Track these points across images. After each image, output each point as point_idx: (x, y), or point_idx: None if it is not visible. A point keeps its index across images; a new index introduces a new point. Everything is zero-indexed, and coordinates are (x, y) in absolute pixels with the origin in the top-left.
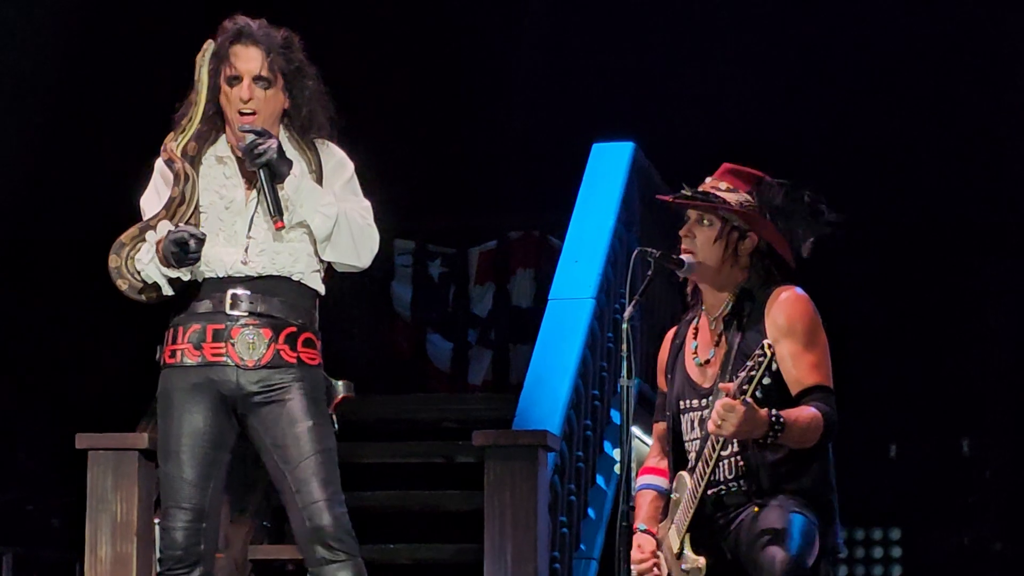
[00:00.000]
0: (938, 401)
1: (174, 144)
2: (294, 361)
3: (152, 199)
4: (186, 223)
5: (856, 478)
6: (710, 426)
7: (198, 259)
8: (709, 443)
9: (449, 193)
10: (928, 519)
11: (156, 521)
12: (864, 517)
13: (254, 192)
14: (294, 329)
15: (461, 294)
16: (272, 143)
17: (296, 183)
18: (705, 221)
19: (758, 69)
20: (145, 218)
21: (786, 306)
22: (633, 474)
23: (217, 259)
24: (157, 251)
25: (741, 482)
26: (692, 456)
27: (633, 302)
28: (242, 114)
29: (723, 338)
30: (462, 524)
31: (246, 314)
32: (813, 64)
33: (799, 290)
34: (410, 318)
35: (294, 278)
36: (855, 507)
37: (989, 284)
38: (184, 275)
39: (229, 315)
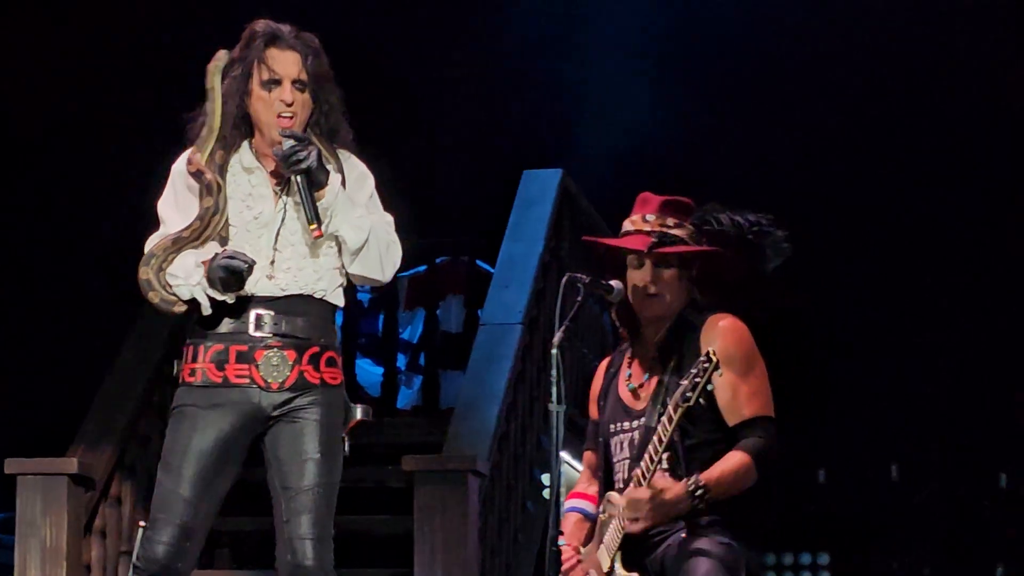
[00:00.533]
0: (867, 427)
1: (199, 155)
2: (317, 382)
3: (172, 207)
4: (217, 234)
5: (786, 503)
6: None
7: (243, 286)
8: (643, 463)
9: None
10: (857, 544)
11: (140, 524)
12: (793, 542)
13: (280, 204)
14: (317, 349)
15: (390, 319)
16: (313, 150)
17: (335, 192)
18: (663, 263)
19: (686, 95)
20: (167, 227)
21: (722, 334)
22: (562, 499)
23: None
24: (204, 272)
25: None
26: (620, 476)
27: (562, 328)
28: (281, 116)
29: (657, 364)
30: (392, 549)
31: (270, 335)
32: (738, 90)
33: (734, 318)
34: (339, 343)
35: (316, 295)
36: (784, 532)
37: (919, 312)
38: (229, 299)
39: (253, 336)
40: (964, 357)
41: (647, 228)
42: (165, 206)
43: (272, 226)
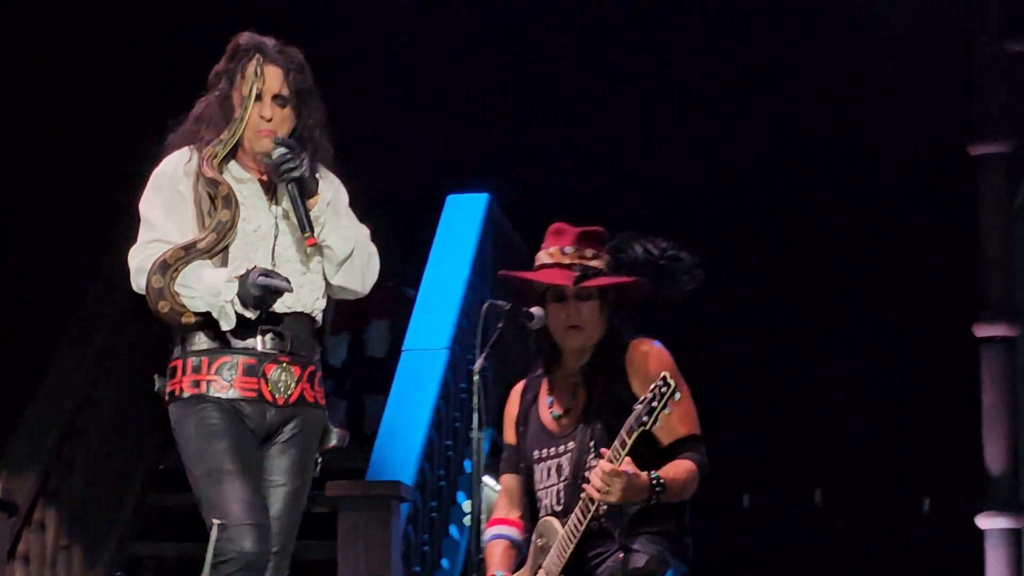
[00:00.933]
0: (791, 452)
1: (212, 162)
2: (312, 400)
3: (163, 215)
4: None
5: (710, 528)
6: (592, 492)
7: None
8: (581, 504)
9: None
10: (781, 568)
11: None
12: (718, 567)
13: (273, 216)
14: (313, 368)
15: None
16: (304, 158)
17: (327, 201)
18: (582, 294)
19: (607, 121)
20: (160, 234)
21: (649, 358)
22: (483, 525)
23: None
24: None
25: (602, 520)
26: (547, 503)
27: (483, 354)
28: (260, 132)
29: (581, 388)
30: (316, 574)
31: (277, 351)
32: (657, 116)
33: (657, 342)
34: None
35: (307, 311)
36: (709, 557)
37: (839, 336)
38: (252, 315)
39: (260, 352)
40: (889, 383)
41: (566, 261)
42: (153, 212)
43: (268, 239)
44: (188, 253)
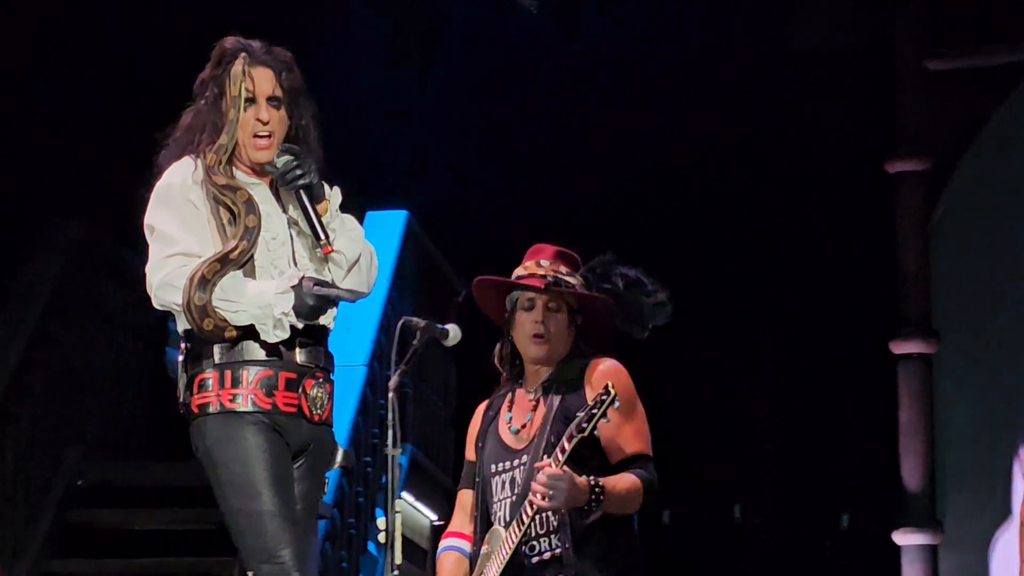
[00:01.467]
0: (711, 468)
1: (217, 171)
2: (330, 417)
3: (180, 227)
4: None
5: None
6: (537, 499)
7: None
8: (523, 511)
9: None
10: None
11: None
12: None
13: (286, 223)
14: (332, 384)
15: None
16: (311, 163)
17: (336, 205)
18: (552, 305)
19: (528, 142)
20: (182, 247)
21: (607, 376)
22: (397, 542)
23: None
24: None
25: (552, 538)
26: (500, 515)
27: (397, 371)
28: (258, 136)
29: (540, 403)
30: None
31: (313, 366)
32: (575, 135)
33: (616, 362)
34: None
35: (323, 323)
36: None
37: (758, 352)
38: (300, 324)
39: (300, 365)
40: (808, 399)
41: (541, 272)
42: (168, 225)
43: (287, 246)
44: (224, 266)
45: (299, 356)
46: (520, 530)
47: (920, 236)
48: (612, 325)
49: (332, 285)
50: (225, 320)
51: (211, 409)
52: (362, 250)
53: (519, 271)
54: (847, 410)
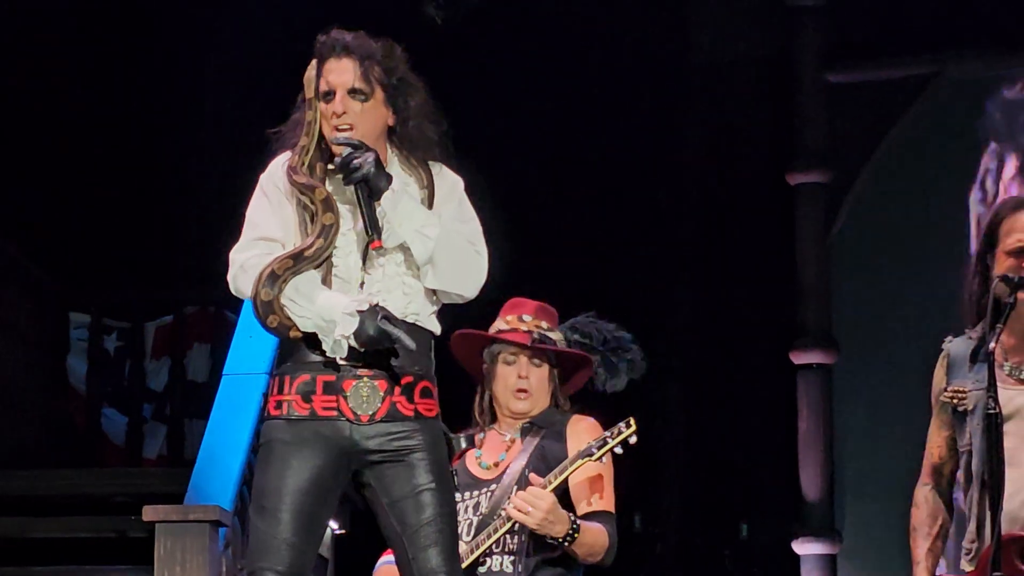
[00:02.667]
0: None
1: (301, 167)
2: (411, 414)
3: (270, 215)
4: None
5: None
6: (513, 512)
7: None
8: (498, 520)
9: (125, 266)
10: None
11: None
12: None
13: (360, 221)
14: (411, 379)
15: (137, 368)
16: (370, 156)
17: (394, 199)
18: (535, 360)
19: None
20: (263, 232)
21: (590, 432)
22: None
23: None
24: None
25: (506, 558)
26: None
27: None
28: (338, 130)
29: (517, 442)
30: None
31: (360, 364)
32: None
33: (594, 419)
34: (85, 392)
35: (408, 320)
36: None
37: (657, 361)
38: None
39: (341, 365)
40: (707, 408)
41: (524, 327)
42: (257, 213)
43: (358, 247)
44: (297, 262)
45: (346, 357)
46: (488, 540)
47: (820, 247)
48: (587, 380)
49: (401, 325)
50: (290, 320)
51: (265, 416)
52: (438, 248)
53: (501, 325)
54: (747, 420)
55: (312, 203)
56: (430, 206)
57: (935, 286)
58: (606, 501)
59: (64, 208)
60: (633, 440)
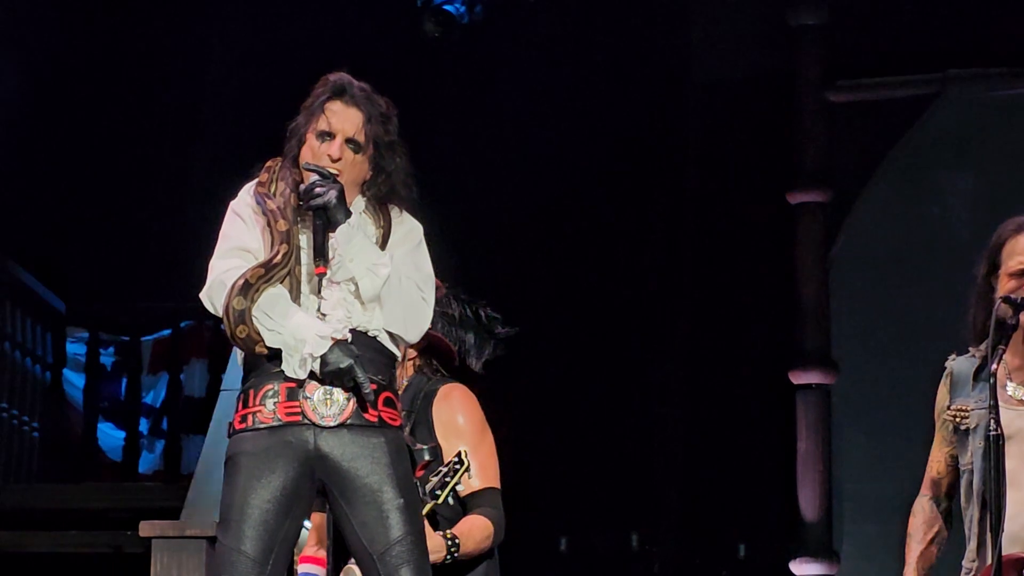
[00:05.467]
0: (609, 495)
1: (267, 183)
2: (375, 420)
3: (244, 231)
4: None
5: (527, 571)
6: None
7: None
8: None
9: (123, 281)
10: None
11: None
12: None
13: (330, 245)
14: (374, 387)
15: (134, 383)
16: (334, 188)
17: (349, 233)
18: None
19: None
20: (236, 244)
21: (453, 405)
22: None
23: None
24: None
25: None
26: None
27: None
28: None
29: None
30: None
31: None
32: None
33: (466, 389)
34: (82, 406)
35: (371, 333)
36: None
37: (657, 381)
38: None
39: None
40: (706, 428)
41: None
42: (235, 228)
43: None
44: (268, 271)
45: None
46: None
47: (820, 267)
48: (454, 356)
49: (367, 374)
50: (259, 334)
51: (230, 432)
52: (385, 289)
53: None
54: (745, 439)
55: (268, 213)
56: (383, 247)
57: (935, 306)
58: (487, 476)
59: (62, 222)
60: (470, 476)
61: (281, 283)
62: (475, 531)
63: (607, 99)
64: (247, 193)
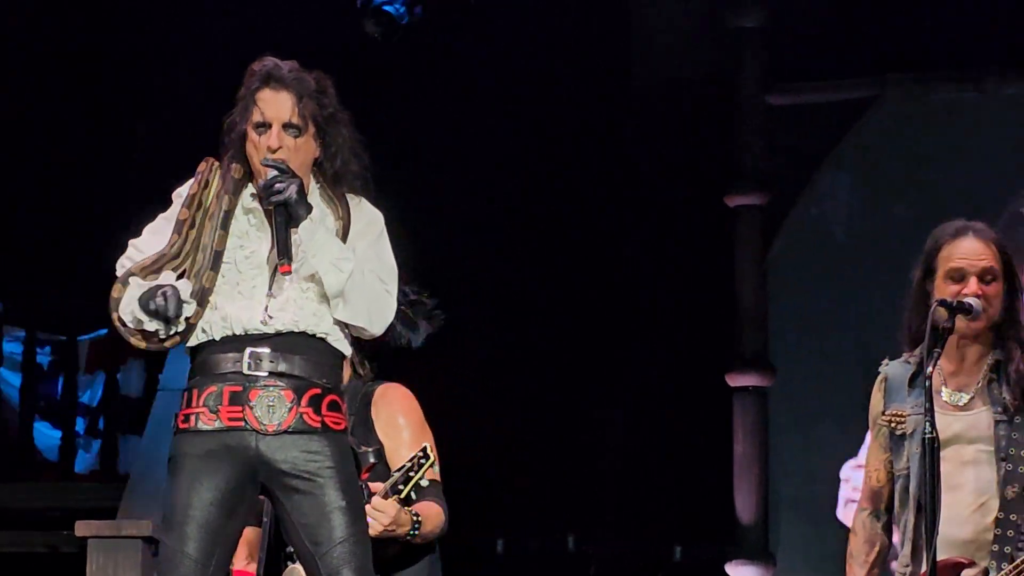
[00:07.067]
0: (546, 496)
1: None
2: (318, 426)
3: (150, 229)
4: (207, 262)
5: (464, 573)
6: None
7: (177, 318)
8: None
9: (60, 280)
10: None
11: None
12: None
13: (291, 242)
14: (318, 391)
15: (70, 382)
16: (294, 183)
17: (312, 229)
18: None
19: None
20: (138, 246)
21: (392, 404)
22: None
23: (235, 317)
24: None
25: None
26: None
27: None
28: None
29: None
30: None
31: (266, 374)
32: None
33: (404, 388)
34: (18, 406)
35: (318, 335)
36: None
37: (593, 383)
38: (161, 330)
39: (248, 375)
40: (643, 430)
41: None
42: (159, 219)
43: (266, 270)
44: (157, 262)
45: (252, 368)
46: None
47: (758, 269)
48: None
49: (177, 302)
50: (122, 321)
51: (175, 431)
52: (349, 283)
53: None
54: (682, 442)
55: (185, 199)
56: (344, 239)
57: (872, 310)
58: (430, 470)
59: None
60: (435, 469)
61: (175, 271)
62: (432, 515)
63: (546, 101)
64: (185, 187)
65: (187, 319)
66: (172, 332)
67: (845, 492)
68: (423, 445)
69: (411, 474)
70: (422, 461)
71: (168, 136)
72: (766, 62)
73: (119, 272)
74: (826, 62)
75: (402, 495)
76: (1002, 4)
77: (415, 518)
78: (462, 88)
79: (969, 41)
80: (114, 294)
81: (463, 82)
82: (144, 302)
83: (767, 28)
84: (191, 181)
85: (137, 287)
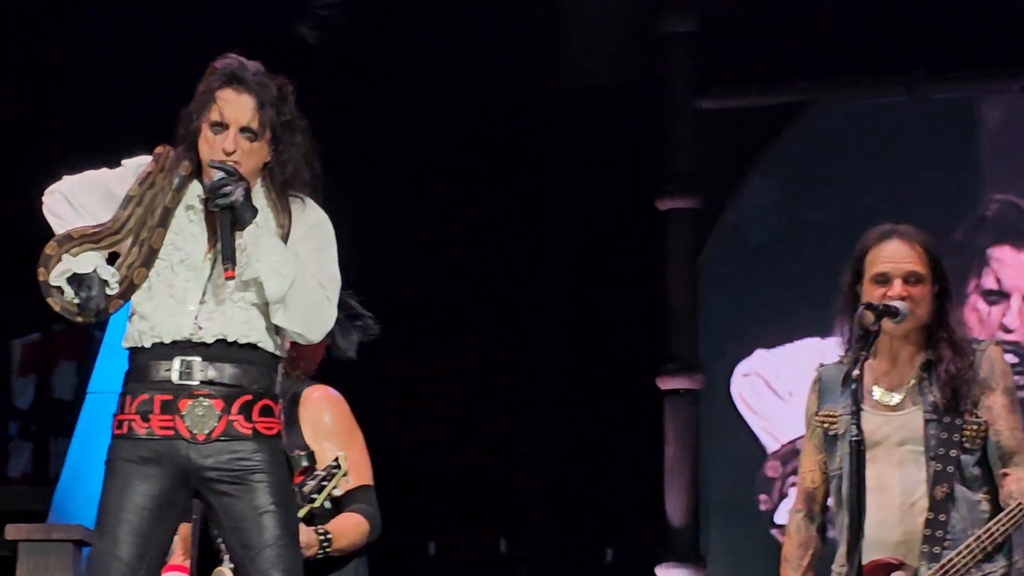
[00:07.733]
0: (477, 500)
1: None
2: (249, 432)
3: (114, 173)
4: (143, 245)
5: None
6: None
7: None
8: None
9: None
10: None
11: None
12: None
13: (214, 251)
14: (249, 397)
15: (3, 386)
16: (241, 186)
17: (257, 233)
18: None
19: None
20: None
21: (321, 407)
22: None
23: (165, 325)
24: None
25: None
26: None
27: None
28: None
29: None
30: None
31: (196, 383)
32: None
33: (331, 390)
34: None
35: (250, 343)
36: None
37: (523, 386)
38: (79, 316)
39: (178, 385)
40: (574, 433)
41: None
42: (104, 175)
43: (201, 274)
44: (98, 234)
45: (182, 377)
46: None
47: (688, 273)
48: (317, 352)
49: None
50: (51, 288)
51: (112, 434)
52: (291, 289)
53: None
54: (613, 444)
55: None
56: (284, 239)
57: (802, 313)
58: (360, 474)
59: None
60: (348, 479)
61: (110, 250)
62: (348, 528)
63: (477, 103)
64: (136, 167)
65: (105, 309)
66: (89, 317)
67: None
68: (336, 455)
69: (324, 483)
70: (334, 471)
71: (98, 135)
72: (698, 66)
73: (54, 223)
74: (757, 67)
75: (316, 503)
76: (931, 10)
77: (323, 537)
78: (388, 93)
79: (899, 46)
80: (47, 250)
81: (388, 87)
82: (75, 287)
83: (698, 32)
84: (146, 157)
85: (72, 262)
